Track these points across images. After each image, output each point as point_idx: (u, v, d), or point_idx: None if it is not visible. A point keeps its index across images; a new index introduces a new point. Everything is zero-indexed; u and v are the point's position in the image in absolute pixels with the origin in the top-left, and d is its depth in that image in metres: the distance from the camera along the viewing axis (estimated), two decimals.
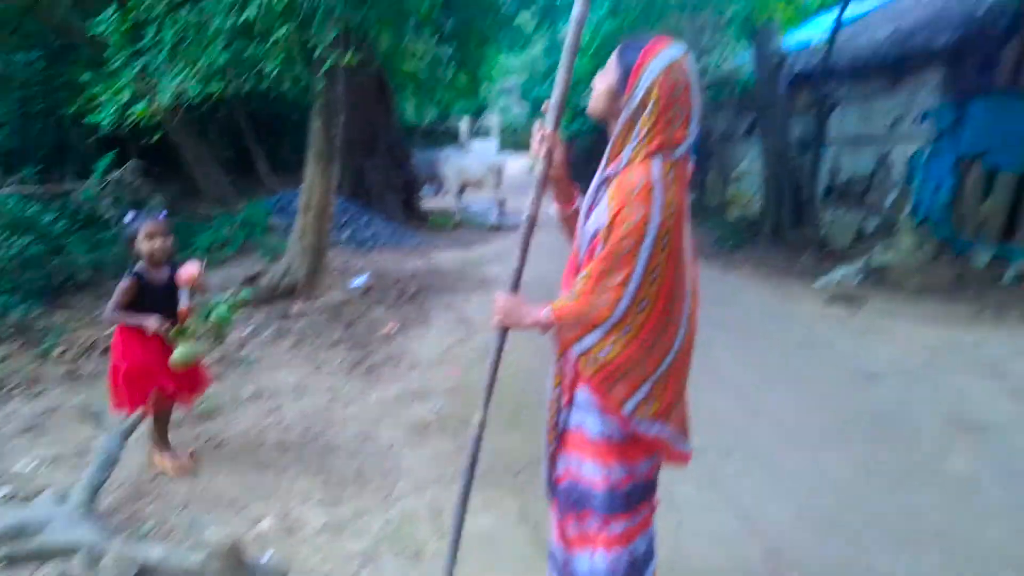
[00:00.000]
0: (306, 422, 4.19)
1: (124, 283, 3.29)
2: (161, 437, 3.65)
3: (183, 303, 3.34)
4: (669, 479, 3.51)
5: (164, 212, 3.49)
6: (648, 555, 2.15)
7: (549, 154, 2.05)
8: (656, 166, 1.84)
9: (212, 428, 4.13)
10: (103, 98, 5.41)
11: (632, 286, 1.86)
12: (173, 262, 3.45)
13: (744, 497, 3.36)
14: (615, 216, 1.84)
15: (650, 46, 1.86)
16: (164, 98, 5.24)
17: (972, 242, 7.81)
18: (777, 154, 10.53)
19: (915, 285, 7.67)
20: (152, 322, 3.24)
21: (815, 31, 12.42)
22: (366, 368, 5.19)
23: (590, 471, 2.03)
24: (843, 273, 8.32)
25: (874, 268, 8.30)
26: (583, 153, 21.65)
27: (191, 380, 3.61)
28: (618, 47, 1.92)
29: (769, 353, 5.65)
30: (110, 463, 2.99)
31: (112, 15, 5.46)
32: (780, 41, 10.61)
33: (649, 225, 1.82)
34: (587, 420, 2.04)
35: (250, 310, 6.52)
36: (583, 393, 2.03)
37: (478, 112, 29.97)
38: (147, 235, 3.29)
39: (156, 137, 5.86)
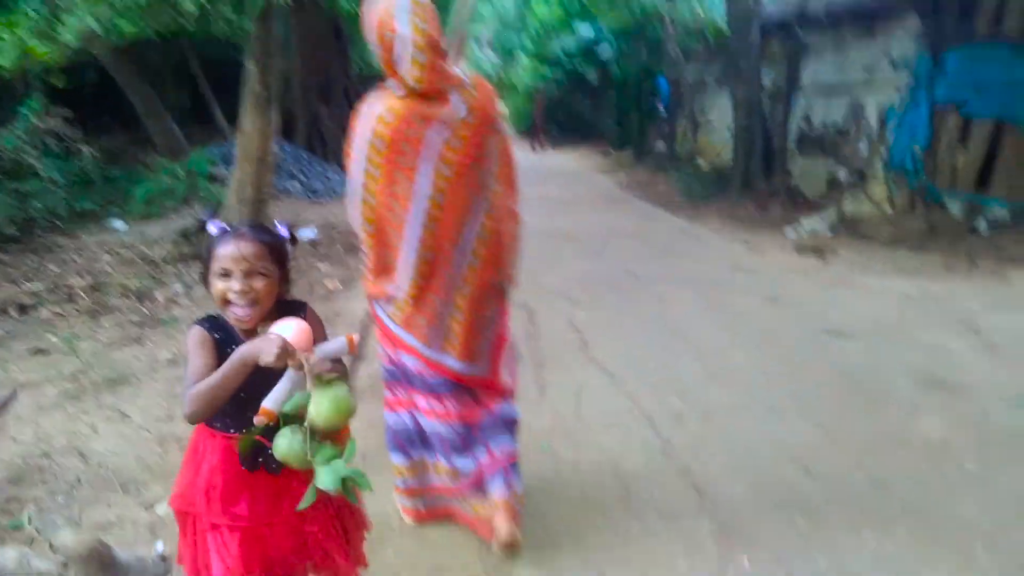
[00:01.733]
0: None
1: (191, 336, 1.67)
2: None
3: (275, 396, 1.55)
4: (616, 449, 3.26)
5: (286, 227, 1.79)
6: (409, 441, 2.49)
7: None
8: (379, 97, 2.19)
9: (115, 397, 3.74)
10: (3, 37, 4.87)
11: (354, 202, 2.26)
12: (288, 304, 1.79)
13: (697, 468, 3.06)
14: None
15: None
16: (69, 37, 4.71)
17: (946, 191, 7.54)
18: (748, 103, 10.15)
19: (887, 235, 7.41)
20: (259, 348, 1.53)
21: None
22: None
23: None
24: (814, 224, 8.04)
25: (845, 218, 8.03)
26: (554, 101, 21.10)
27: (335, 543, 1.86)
28: None
29: (735, 309, 5.36)
30: None
31: None
32: None
33: (353, 153, 2.20)
34: None
35: (184, 266, 6.08)
36: None
37: None
38: (220, 270, 1.66)
39: (81, 81, 5.33)
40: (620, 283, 6.07)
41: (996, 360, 4.32)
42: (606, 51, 16.58)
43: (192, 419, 1.59)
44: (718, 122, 13.03)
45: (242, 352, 1.53)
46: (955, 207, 7.42)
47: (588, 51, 17.42)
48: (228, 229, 1.70)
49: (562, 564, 2.45)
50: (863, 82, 8.91)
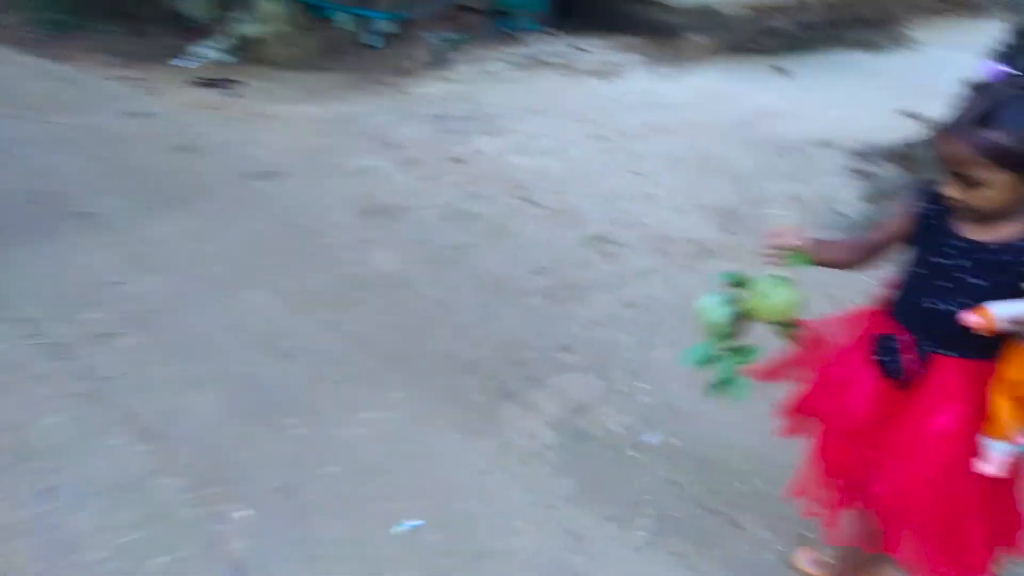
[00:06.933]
0: None
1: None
2: None
3: (1007, 307, 1.23)
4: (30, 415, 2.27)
5: None
6: None
7: None
8: None
9: None
10: None
11: None
12: None
13: (143, 407, 2.31)
14: None
15: None
16: None
17: (333, 6, 7.41)
18: None
19: (288, 57, 7.03)
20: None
21: None
22: None
23: None
24: (208, 51, 7.16)
25: (242, 42, 7.33)
26: None
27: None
28: None
29: (140, 169, 4.37)
30: None
31: None
32: None
33: None
34: None
35: None
36: None
37: None
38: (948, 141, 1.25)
39: None
40: None
41: (419, 174, 4.45)
42: None
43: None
44: None
45: None
46: (347, 22, 7.38)
47: None
48: None
49: None
50: None
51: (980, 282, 1.30)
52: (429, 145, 4.97)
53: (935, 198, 1.38)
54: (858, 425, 1.44)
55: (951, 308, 1.31)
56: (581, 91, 6.64)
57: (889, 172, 4.72)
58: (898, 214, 1.48)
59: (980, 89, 1.25)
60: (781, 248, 1.43)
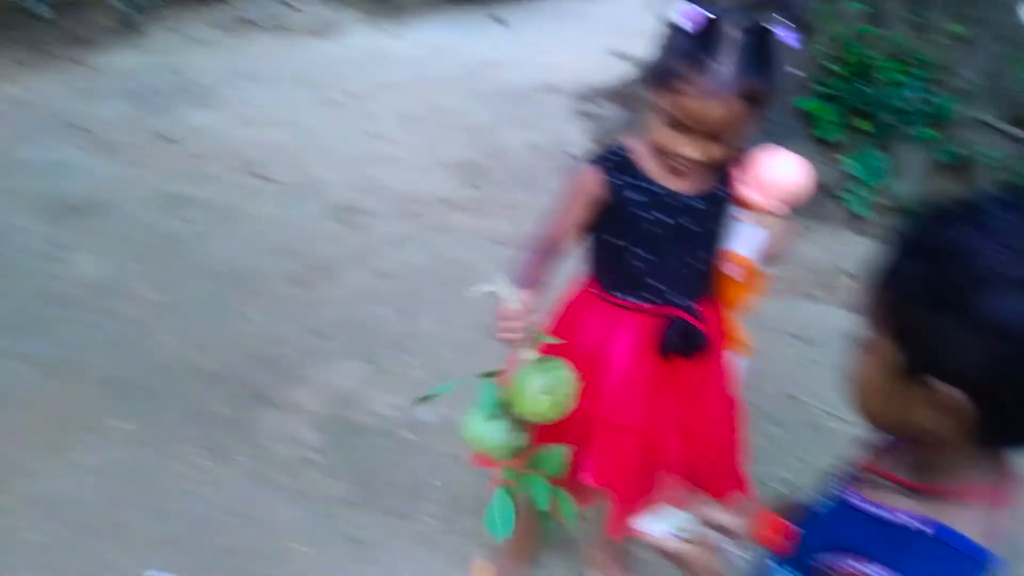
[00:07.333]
0: None
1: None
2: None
3: (746, 250, 1.28)
4: None
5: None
6: None
7: None
8: None
9: None
10: None
11: None
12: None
13: None
14: None
15: None
16: None
17: None
18: None
19: None
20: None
21: None
22: None
23: None
24: None
25: None
26: None
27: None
28: None
29: None
30: None
31: None
32: None
33: None
34: None
35: None
36: None
37: None
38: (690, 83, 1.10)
39: None
40: None
41: (120, 160, 3.83)
42: None
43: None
44: None
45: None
46: None
47: None
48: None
49: None
50: None
51: (703, 230, 1.26)
52: (128, 125, 4.32)
53: (620, 164, 1.26)
54: (642, 415, 1.35)
55: (692, 262, 1.28)
56: (301, 53, 6.22)
57: (610, 111, 4.98)
58: (577, 195, 1.30)
59: (702, 37, 1.10)
60: (521, 331, 1.13)
